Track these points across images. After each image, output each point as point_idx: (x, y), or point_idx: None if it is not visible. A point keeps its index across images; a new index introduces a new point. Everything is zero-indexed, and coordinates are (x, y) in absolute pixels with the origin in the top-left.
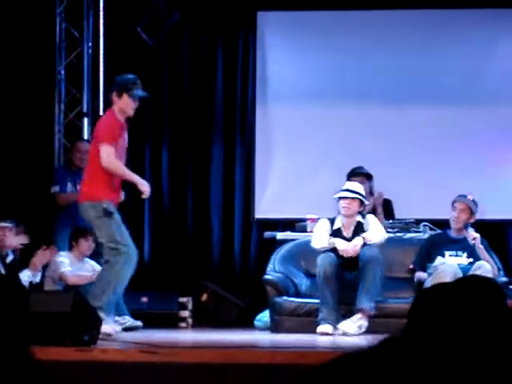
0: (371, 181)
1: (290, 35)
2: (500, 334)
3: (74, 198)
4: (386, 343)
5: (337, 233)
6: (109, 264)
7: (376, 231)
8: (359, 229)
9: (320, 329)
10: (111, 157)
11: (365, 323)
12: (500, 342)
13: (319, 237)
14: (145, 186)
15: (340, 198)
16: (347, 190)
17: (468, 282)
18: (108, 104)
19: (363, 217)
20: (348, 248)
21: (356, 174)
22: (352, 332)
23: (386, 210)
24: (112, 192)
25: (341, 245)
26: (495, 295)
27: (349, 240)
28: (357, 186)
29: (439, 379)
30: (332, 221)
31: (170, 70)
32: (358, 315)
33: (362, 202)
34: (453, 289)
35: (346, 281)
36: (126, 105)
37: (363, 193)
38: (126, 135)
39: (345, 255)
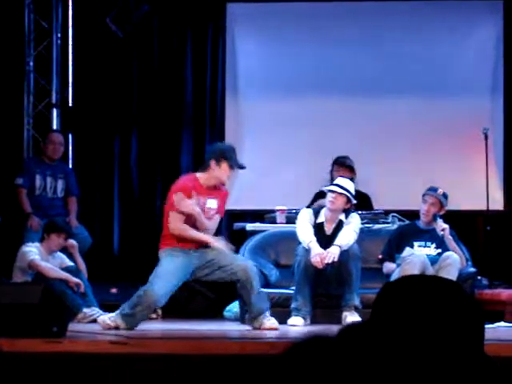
0: (352, 174)
1: (259, 27)
2: (459, 331)
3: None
4: (345, 332)
5: (319, 227)
6: None
7: (344, 236)
8: (339, 228)
9: (291, 321)
10: (175, 223)
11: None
12: (459, 337)
13: (304, 230)
14: (217, 243)
15: (329, 191)
16: (337, 185)
17: (433, 278)
18: (78, 95)
19: (347, 215)
20: (316, 260)
21: (340, 163)
22: None
23: (365, 205)
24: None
25: (313, 251)
26: (458, 293)
27: (328, 237)
28: (347, 183)
29: (397, 369)
30: (317, 212)
31: (139, 61)
32: (353, 312)
33: (348, 200)
34: (417, 283)
35: (323, 272)
36: (223, 173)
37: (353, 191)
38: (207, 197)
39: (314, 264)
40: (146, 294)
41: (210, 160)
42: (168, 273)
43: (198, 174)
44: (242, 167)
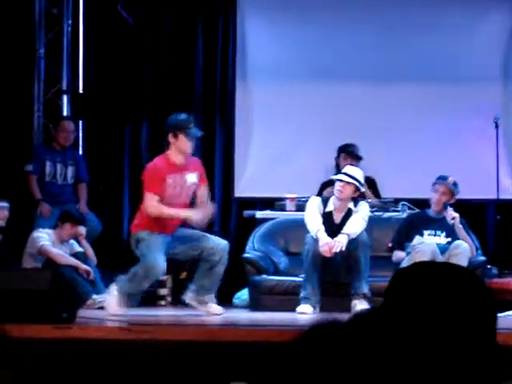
0: (358, 163)
1: (269, 14)
2: (471, 317)
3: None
4: (356, 318)
5: (327, 216)
6: None
7: (353, 224)
8: (348, 217)
9: (300, 309)
10: (151, 202)
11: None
12: (471, 325)
13: (312, 219)
14: (196, 215)
15: (337, 179)
16: (345, 174)
17: (446, 265)
18: (88, 83)
19: (356, 204)
20: (325, 249)
21: (349, 153)
22: None
23: (371, 188)
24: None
25: (321, 241)
26: (471, 280)
27: (337, 226)
28: (356, 171)
29: (407, 357)
30: (326, 200)
31: (149, 48)
32: (362, 300)
33: (357, 188)
34: (430, 269)
35: (332, 261)
36: (183, 144)
37: (361, 179)
38: (184, 173)
39: (322, 253)
40: (143, 267)
41: (168, 135)
42: (157, 248)
43: (168, 152)
44: (198, 135)
